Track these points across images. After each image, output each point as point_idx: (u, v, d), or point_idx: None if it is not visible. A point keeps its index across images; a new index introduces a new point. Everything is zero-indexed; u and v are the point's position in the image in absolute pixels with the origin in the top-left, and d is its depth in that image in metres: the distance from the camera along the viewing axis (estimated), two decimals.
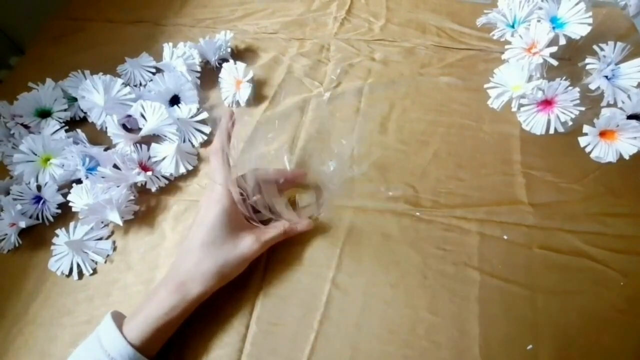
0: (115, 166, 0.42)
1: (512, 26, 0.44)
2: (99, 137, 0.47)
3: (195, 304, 0.33)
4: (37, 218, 0.42)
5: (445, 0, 0.60)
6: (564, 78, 0.38)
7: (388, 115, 0.48)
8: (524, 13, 0.43)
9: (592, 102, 0.39)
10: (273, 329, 0.35)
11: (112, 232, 0.41)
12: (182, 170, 0.44)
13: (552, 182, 0.42)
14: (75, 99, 0.48)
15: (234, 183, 0.35)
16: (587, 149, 0.37)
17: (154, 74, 0.51)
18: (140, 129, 0.45)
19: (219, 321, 0.36)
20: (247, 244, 0.34)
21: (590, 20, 0.39)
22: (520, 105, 0.40)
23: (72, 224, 0.41)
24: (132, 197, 0.42)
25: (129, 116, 0.46)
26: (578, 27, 0.40)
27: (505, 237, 0.39)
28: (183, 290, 0.32)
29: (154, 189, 0.43)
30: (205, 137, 0.47)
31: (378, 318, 0.36)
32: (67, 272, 0.39)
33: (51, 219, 0.41)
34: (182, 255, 0.34)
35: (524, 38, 0.41)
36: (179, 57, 0.50)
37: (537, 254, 0.38)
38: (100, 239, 0.40)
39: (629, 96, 0.37)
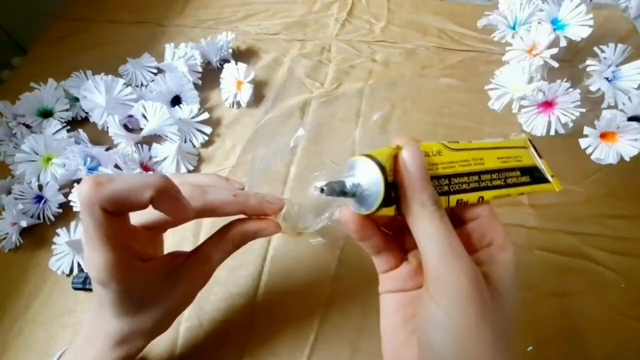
0: (117, 166, 0.42)
1: (513, 28, 0.44)
2: (100, 137, 0.47)
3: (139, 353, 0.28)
4: (39, 217, 0.42)
5: (446, 2, 0.60)
6: (564, 80, 0.38)
7: (389, 116, 0.48)
8: (525, 15, 0.43)
9: (592, 104, 0.39)
10: (273, 329, 0.35)
11: None
12: (183, 170, 0.44)
13: None
14: (77, 99, 0.48)
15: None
16: (588, 151, 0.37)
17: (155, 74, 0.51)
18: (141, 129, 0.45)
19: (219, 322, 0.36)
20: (183, 292, 0.27)
21: (591, 22, 0.39)
22: (521, 107, 0.40)
23: (73, 224, 0.41)
24: None
25: (131, 116, 0.47)
26: (579, 28, 0.40)
27: None
28: (125, 346, 0.26)
29: None
30: (207, 138, 0.47)
31: (378, 318, 0.35)
32: (67, 272, 0.39)
33: (52, 218, 0.41)
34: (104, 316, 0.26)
35: (525, 40, 0.41)
36: (180, 58, 0.50)
37: (537, 255, 0.38)
38: None
39: (629, 98, 0.37)
